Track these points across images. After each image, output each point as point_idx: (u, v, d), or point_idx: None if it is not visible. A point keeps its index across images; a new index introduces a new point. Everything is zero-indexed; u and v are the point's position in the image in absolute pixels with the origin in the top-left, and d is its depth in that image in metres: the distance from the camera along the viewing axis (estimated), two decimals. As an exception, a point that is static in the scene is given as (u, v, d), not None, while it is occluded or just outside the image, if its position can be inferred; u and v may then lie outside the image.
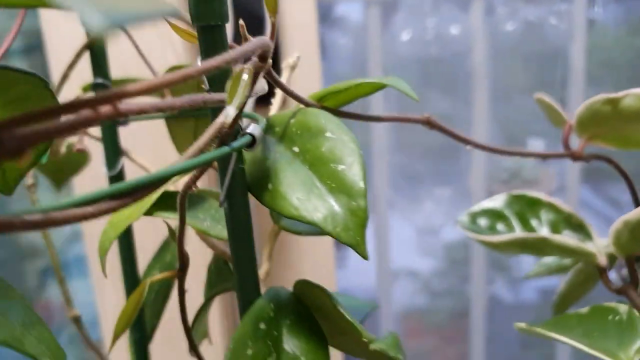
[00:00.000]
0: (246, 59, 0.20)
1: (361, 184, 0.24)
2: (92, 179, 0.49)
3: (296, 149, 0.26)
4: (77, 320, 0.37)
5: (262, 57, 0.20)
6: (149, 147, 0.54)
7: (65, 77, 0.35)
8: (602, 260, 0.34)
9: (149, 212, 0.30)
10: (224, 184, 0.25)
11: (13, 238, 0.99)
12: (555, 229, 0.41)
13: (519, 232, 0.41)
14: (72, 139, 0.41)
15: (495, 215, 0.43)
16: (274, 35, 0.21)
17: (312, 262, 0.71)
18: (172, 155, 0.36)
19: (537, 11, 0.87)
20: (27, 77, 0.20)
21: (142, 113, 0.16)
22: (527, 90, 0.86)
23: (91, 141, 0.40)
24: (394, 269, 0.94)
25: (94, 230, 0.65)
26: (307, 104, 0.28)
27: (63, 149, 0.41)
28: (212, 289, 0.35)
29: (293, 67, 0.34)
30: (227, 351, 0.24)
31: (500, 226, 0.42)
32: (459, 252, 1.03)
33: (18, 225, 0.16)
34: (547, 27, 0.87)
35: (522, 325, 0.34)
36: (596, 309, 0.32)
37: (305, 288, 0.27)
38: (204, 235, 0.33)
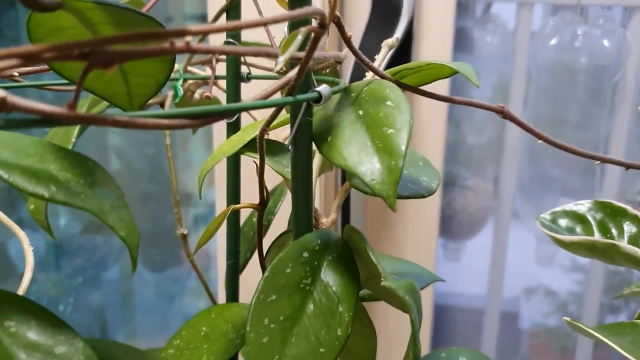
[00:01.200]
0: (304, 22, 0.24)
1: (402, 147, 0.27)
2: (215, 125, 0.57)
3: (360, 112, 0.30)
4: (184, 237, 0.44)
5: (322, 25, 0.24)
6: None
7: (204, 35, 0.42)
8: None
9: (240, 151, 0.35)
10: (292, 131, 0.29)
11: (167, 192, 1.12)
12: (634, 241, 0.41)
13: (590, 236, 0.41)
14: (205, 88, 0.48)
15: (577, 217, 0.43)
16: (335, 7, 0.25)
17: (415, 243, 0.74)
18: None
19: None
20: (148, 20, 0.26)
21: (207, 52, 0.21)
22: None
23: (219, 92, 0.47)
24: (511, 276, 0.93)
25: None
26: (382, 77, 0.32)
27: (197, 96, 0.48)
28: (288, 230, 0.40)
29: (391, 47, 0.38)
30: (268, 267, 0.29)
31: (579, 229, 0.43)
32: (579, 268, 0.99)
33: (110, 121, 0.21)
34: None
35: (568, 318, 0.36)
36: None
37: (350, 233, 0.31)
38: (289, 182, 0.39)
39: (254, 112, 0.47)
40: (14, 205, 1.17)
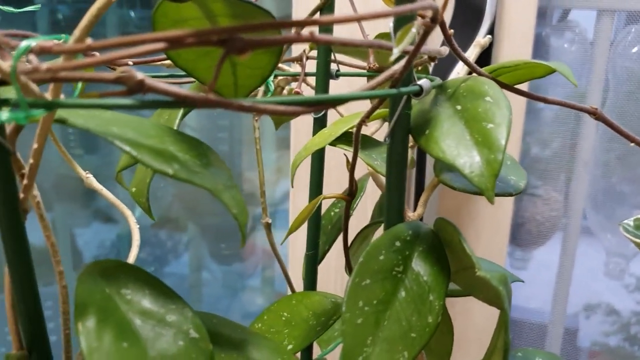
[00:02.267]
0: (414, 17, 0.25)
1: (502, 142, 0.28)
2: (303, 118, 0.58)
3: (458, 107, 0.30)
4: (268, 226, 0.46)
5: (433, 19, 0.25)
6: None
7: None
8: None
9: (332, 143, 0.37)
10: (390, 123, 0.31)
11: (239, 183, 1.16)
12: None
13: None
14: (294, 84, 0.50)
15: (662, 226, 0.43)
16: (447, 2, 0.26)
17: (486, 247, 0.74)
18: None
19: None
20: (263, 12, 0.28)
21: (330, 43, 0.23)
22: None
23: (307, 89, 0.49)
24: (574, 291, 0.92)
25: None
26: (479, 73, 0.33)
27: (285, 92, 0.50)
28: (372, 221, 0.41)
29: (483, 46, 0.39)
30: (363, 252, 0.30)
31: (664, 237, 0.42)
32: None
33: (235, 105, 0.23)
34: None
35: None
36: None
37: (442, 225, 0.32)
38: (375, 176, 0.40)
39: (340, 109, 0.48)
40: (91, 198, 1.22)
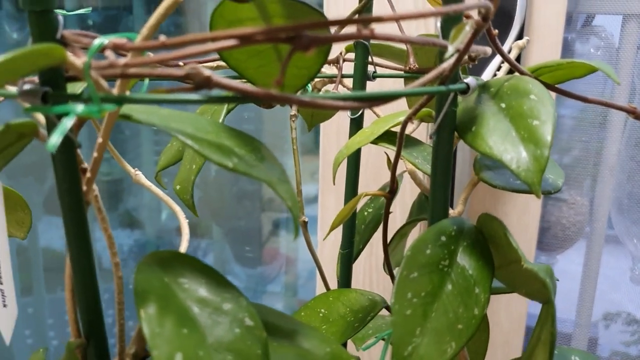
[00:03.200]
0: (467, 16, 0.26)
1: (548, 137, 0.29)
2: (337, 118, 0.59)
3: (503, 105, 0.31)
4: (304, 224, 0.47)
5: (484, 18, 0.26)
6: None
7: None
8: None
9: (374, 142, 0.38)
10: (437, 120, 0.31)
11: (258, 192, 1.17)
12: None
13: None
14: (329, 86, 0.51)
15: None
16: (498, 2, 0.27)
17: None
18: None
19: None
20: (316, 12, 0.29)
21: (388, 40, 0.24)
22: None
23: (343, 90, 0.50)
24: (597, 300, 0.91)
25: (327, 202, 0.76)
26: (522, 73, 0.33)
27: (322, 94, 0.51)
28: (410, 219, 0.42)
29: (521, 48, 0.40)
30: (410, 246, 0.31)
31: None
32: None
33: (294, 100, 0.24)
34: None
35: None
36: None
37: (486, 220, 0.33)
38: (414, 174, 0.41)
39: (377, 110, 0.49)
40: (118, 201, 1.24)
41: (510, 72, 0.39)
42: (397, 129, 0.40)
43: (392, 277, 0.42)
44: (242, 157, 0.28)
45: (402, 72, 0.44)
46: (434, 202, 0.33)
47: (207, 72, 0.23)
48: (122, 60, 0.23)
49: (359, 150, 0.47)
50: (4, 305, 0.33)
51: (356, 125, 0.47)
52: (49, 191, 1.19)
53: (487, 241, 0.33)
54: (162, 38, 0.22)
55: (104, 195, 1.22)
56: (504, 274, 0.33)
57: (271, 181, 0.28)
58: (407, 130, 0.44)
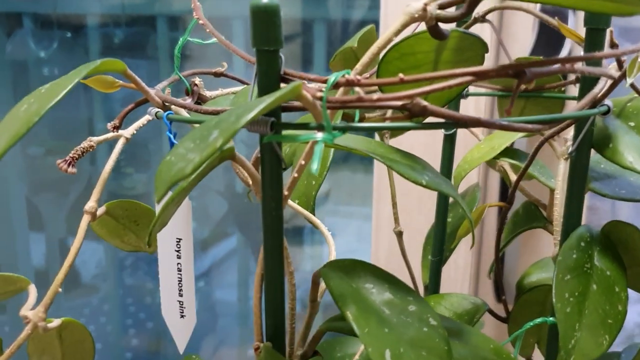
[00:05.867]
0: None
1: (684, 153, 0.33)
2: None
3: (632, 124, 0.35)
4: (400, 234, 0.51)
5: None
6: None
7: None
8: None
9: (496, 157, 0.41)
10: (577, 138, 0.35)
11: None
12: None
13: None
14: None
15: None
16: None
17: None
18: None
19: None
20: (481, 43, 0.32)
21: (583, 73, 0.27)
22: None
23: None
24: None
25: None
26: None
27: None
28: (517, 228, 0.45)
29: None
30: (559, 251, 0.35)
31: None
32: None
33: (496, 125, 0.27)
34: None
35: None
36: None
37: (614, 227, 0.37)
38: (521, 186, 0.44)
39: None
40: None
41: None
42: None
43: (498, 283, 0.46)
44: (427, 173, 0.31)
45: (497, 92, 0.48)
46: (569, 211, 0.37)
47: (423, 102, 0.27)
48: (354, 96, 0.26)
49: (450, 164, 0.50)
50: (182, 316, 0.36)
51: (449, 141, 0.50)
52: (72, 206, 1.20)
53: (616, 245, 0.37)
54: (401, 75, 0.26)
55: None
56: (634, 275, 0.37)
57: (457, 196, 0.31)
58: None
